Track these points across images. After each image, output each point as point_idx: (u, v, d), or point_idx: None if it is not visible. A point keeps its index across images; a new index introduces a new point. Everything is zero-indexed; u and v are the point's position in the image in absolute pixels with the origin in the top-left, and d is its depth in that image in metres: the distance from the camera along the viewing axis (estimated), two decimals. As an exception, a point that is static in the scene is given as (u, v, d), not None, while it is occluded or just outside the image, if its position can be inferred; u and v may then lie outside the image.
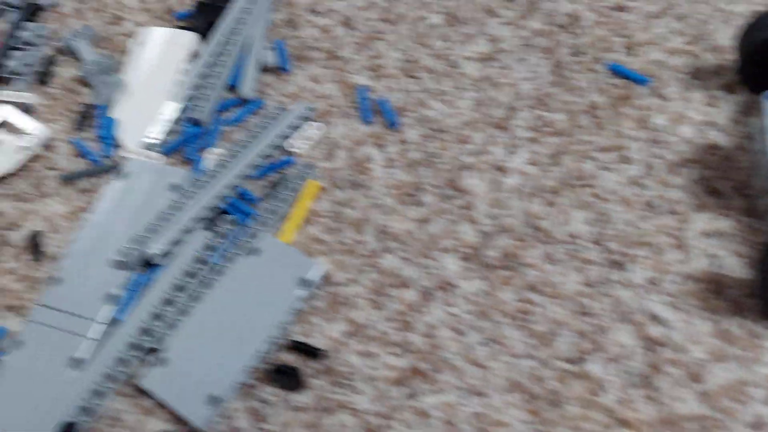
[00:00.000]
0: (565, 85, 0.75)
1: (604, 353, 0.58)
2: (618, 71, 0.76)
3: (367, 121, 0.73)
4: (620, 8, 0.80)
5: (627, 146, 0.70)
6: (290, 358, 0.59)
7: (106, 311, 0.60)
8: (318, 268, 0.62)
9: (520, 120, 0.73)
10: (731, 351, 0.57)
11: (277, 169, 0.70)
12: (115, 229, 0.65)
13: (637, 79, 0.75)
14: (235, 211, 0.66)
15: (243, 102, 0.75)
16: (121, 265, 0.62)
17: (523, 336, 0.60)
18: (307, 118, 0.72)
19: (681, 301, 0.60)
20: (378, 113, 0.74)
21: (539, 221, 0.66)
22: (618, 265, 0.63)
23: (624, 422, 0.55)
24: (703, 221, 0.65)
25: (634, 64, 0.76)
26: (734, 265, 0.62)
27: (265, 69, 0.77)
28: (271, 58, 0.77)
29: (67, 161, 0.73)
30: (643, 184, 0.68)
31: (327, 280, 0.63)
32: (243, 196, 0.68)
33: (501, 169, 0.69)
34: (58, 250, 0.66)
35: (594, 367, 0.58)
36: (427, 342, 0.60)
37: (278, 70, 0.77)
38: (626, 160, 0.69)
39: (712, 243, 0.63)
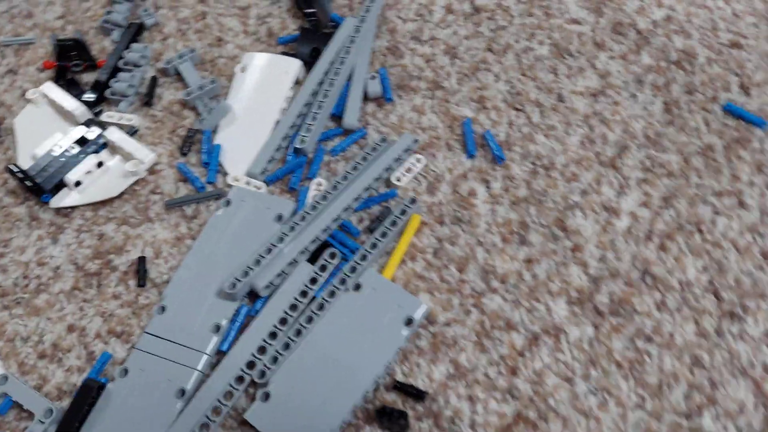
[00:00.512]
0: (678, 124, 0.73)
1: (720, 408, 0.55)
2: (734, 112, 0.73)
3: (471, 155, 0.72)
4: (736, 45, 0.77)
5: (744, 191, 0.67)
6: (393, 399, 0.58)
7: (214, 343, 0.61)
8: (422, 307, 0.61)
9: (631, 159, 0.70)
10: None
11: (379, 202, 0.69)
12: (219, 257, 0.65)
13: (753, 121, 0.72)
14: (338, 244, 0.66)
15: (346, 132, 0.74)
16: (226, 296, 0.62)
17: (634, 386, 0.57)
18: (410, 150, 0.72)
19: (805, 360, 0.57)
20: (482, 147, 0.72)
21: (651, 266, 0.63)
22: (734, 316, 0.60)
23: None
24: (830, 275, 0.61)
25: (750, 104, 0.73)
26: None
27: (367, 98, 0.77)
28: (373, 88, 0.76)
29: (171, 185, 0.73)
30: (761, 232, 0.64)
31: (429, 319, 0.62)
32: (346, 228, 0.67)
33: (611, 210, 0.67)
34: (162, 277, 0.67)
35: (708, 422, 0.55)
36: (534, 389, 0.58)
37: (381, 100, 0.77)
38: (743, 206, 0.66)
39: (841, 300, 0.60)
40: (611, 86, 0.75)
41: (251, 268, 0.63)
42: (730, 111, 0.73)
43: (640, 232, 0.65)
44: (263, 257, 0.63)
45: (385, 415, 0.56)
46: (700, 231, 0.65)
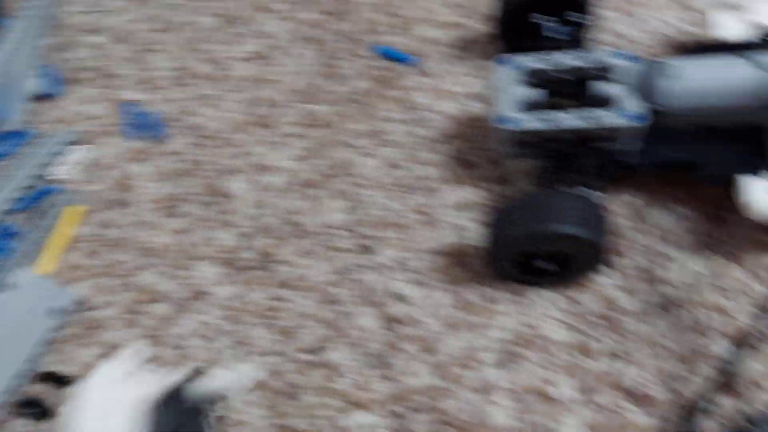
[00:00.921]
0: (332, 75, 0.76)
1: (346, 339, 0.59)
2: (384, 53, 0.76)
3: (131, 137, 0.73)
4: (385, -11, 0.80)
5: (387, 130, 0.71)
6: (41, 391, 0.60)
7: None
8: (68, 295, 0.63)
9: (288, 116, 0.73)
10: (467, 319, 0.58)
11: (38, 200, 0.70)
12: None
13: (402, 59, 0.75)
14: (-6, 249, 0.67)
15: (10, 135, 0.74)
16: None
17: (269, 334, 0.60)
18: (71, 143, 0.72)
19: (425, 277, 0.61)
20: (146, 128, 0.74)
21: (298, 216, 0.66)
22: (367, 249, 0.64)
23: (357, 404, 0.56)
24: (454, 195, 0.65)
25: (404, 43, 0.76)
26: (480, 235, 0.62)
27: (38, 97, 0.77)
28: (38, 86, 0.76)
29: None
30: (400, 165, 0.68)
31: (84, 306, 0.64)
32: (4, 231, 0.68)
33: (265, 169, 0.70)
34: None
35: (334, 354, 0.59)
36: (177, 353, 0.60)
37: (49, 97, 0.77)
38: (385, 143, 0.70)
39: (461, 215, 0.64)
40: (273, 47, 0.78)
41: None
42: (381, 53, 0.76)
43: (291, 185, 0.68)
44: None
45: (23, 405, 0.57)
46: (347, 174, 0.68)
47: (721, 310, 0.56)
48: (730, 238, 0.59)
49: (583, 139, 0.59)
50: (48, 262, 0.66)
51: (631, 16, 0.76)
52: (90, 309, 0.63)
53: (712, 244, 0.59)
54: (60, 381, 0.59)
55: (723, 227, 0.60)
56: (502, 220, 0.56)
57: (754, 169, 0.56)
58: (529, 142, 0.60)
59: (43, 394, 0.59)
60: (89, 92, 0.77)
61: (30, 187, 0.70)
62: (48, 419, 0.58)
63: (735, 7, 0.68)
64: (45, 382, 0.60)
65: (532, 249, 0.55)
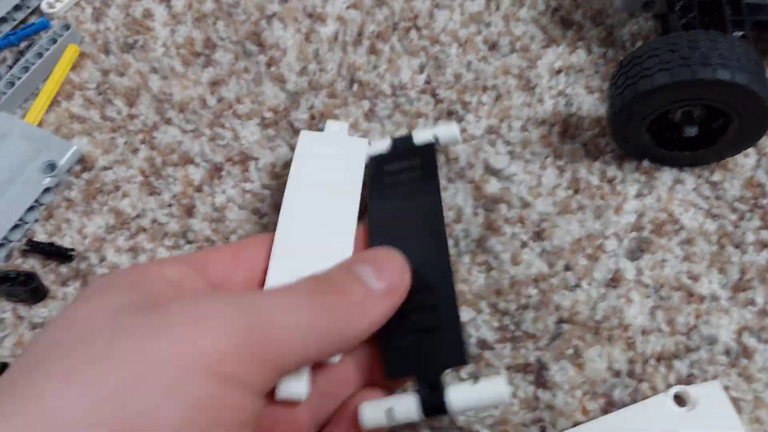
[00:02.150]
0: None
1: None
2: None
3: (145, -30, 0.58)
4: None
5: (467, -22, 0.57)
6: (32, 265, 0.46)
7: None
8: (71, 149, 0.48)
9: (340, -42, 0.59)
10: (582, 201, 0.47)
11: (26, 36, 0.54)
12: None
13: None
14: (-34, 90, 0.51)
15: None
16: None
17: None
18: (66, -29, 0.57)
19: (524, 149, 0.49)
20: (161, -40, 0.58)
21: (358, 73, 0.53)
22: (452, 114, 0.51)
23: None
24: (553, 56, 0.53)
25: None
26: (587, 103, 0.50)
27: None
28: None
29: None
30: (486, 21, 0.55)
31: (86, 165, 0.49)
32: (-20, 70, 0.53)
33: (315, 17, 0.56)
34: None
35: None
36: (213, 227, 0.47)
37: None
38: (467, -6, 0.57)
39: (563, 81, 0.52)
40: None
41: None
42: None
43: (348, 37, 0.55)
44: None
45: (6, 281, 0.43)
46: (417, 27, 0.55)
47: None
48: None
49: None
50: (40, 109, 0.51)
51: None
52: (106, 168, 0.49)
53: None
54: (57, 254, 0.45)
55: None
56: (637, 67, 0.43)
57: None
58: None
59: (31, 270, 0.45)
60: None
61: (16, 20, 0.54)
62: (40, 299, 0.44)
63: None
64: (39, 255, 0.46)
65: (671, 107, 0.43)
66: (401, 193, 0.42)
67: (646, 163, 0.47)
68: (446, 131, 0.45)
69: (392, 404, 0.33)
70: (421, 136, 0.45)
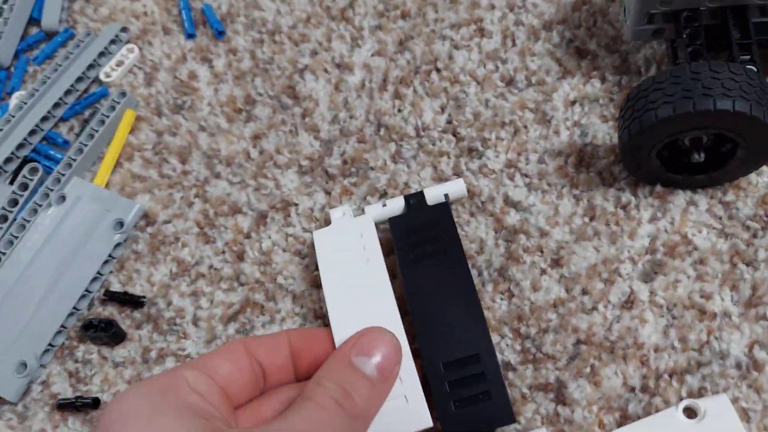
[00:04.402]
0: (413, -40, 0.66)
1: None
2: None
3: (190, 35, 0.64)
4: None
5: (484, 17, 0.61)
6: (110, 312, 0.53)
7: None
8: (135, 207, 0.55)
9: (363, 7, 0.64)
10: (597, 228, 0.50)
11: (89, 105, 0.61)
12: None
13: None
14: (43, 159, 0.58)
15: (48, 35, 0.65)
16: None
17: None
18: (120, 41, 0.63)
19: (541, 181, 0.53)
20: (203, 24, 0.65)
21: (385, 117, 0.58)
22: (473, 152, 0.55)
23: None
24: (568, 88, 0.56)
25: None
26: (602, 132, 0.54)
27: (77, -5, 0.68)
28: (77, -19, 0.67)
29: None
30: (502, 57, 0.59)
31: (149, 220, 0.56)
32: (52, 140, 0.60)
33: (343, 66, 0.61)
34: None
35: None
36: (262, 270, 0.53)
37: (90, -6, 0.68)
38: (483, 33, 0.61)
39: (577, 111, 0.55)
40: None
41: (-69, 203, 0.55)
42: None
43: (374, 84, 0.60)
44: (-51, 188, 0.56)
45: (91, 327, 0.50)
46: (437, 69, 0.59)
47: None
48: None
49: (730, 7, 0.49)
50: (106, 171, 0.58)
51: None
52: (166, 222, 0.55)
53: None
54: (132, 301, 0.52)
55: None
56: (642, 101, 0.46)
57: None
58: (669, 15, 0.50)
59: (111, 317, 0.52)
60: (136, -13, 0.68)
61: (77, 91, 0.61)
62: (120, 342, 0.51)
63: None
64: (116, 303, 0.52)
65: (681, 134, 0.46)
66: (429, 258, 0.47)
67: (659, 188, 0.50)
68: (455, 188, 0.50)
69: None
70: (433, 195, 0.50)
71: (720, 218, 0.49)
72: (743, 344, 0.45)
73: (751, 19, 0.50)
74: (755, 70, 0.48)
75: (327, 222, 0.53)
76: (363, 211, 0.51)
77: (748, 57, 0.50)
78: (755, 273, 0.47)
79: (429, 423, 0.42)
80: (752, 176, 0.50)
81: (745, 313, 0.46)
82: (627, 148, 0.47)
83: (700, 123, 0.44)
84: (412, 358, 0.43)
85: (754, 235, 0.48)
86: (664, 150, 0.48)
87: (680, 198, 0.50)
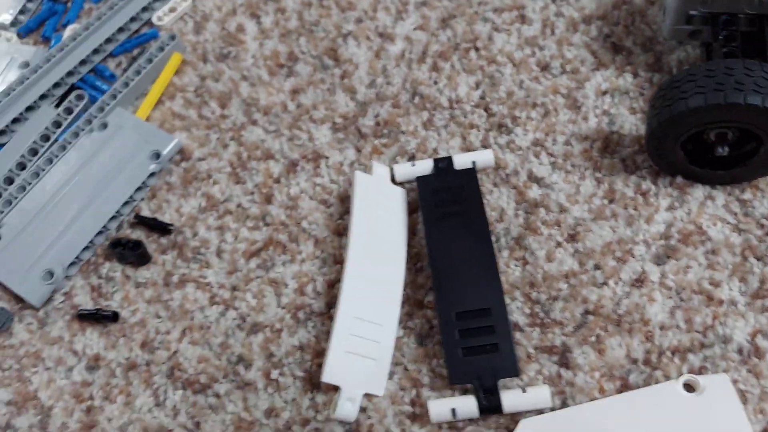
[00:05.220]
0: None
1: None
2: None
3: (241, -9, 0.66)
4: None
5: (526, 5, 0.63)
6: (138, 235, 0.54)
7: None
8: (173, 141, 0.57)
9: (411, -16, 0.66)
10: (615, 210, 0.52)
11: (139, 44, 0.64)
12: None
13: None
14: (89, 88, 0.61)
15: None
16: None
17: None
18: (176, -10, 0.66)
19: (566, 161, 0.55)
20: (256, -17, 0.67)
21: (421, 87, 0.60)
22: (502, 128, 0.57)
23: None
24: (601, 79, 0.58)
25: None
26: (629, 123, 0.56)
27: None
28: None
29: None
30: (540, 45, 0.61)
31: (184, 155, 0.58)
32: (100, 73, 0.62)
33: (386, 36, 0.63)
34: None
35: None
36: (288, 213, 0.54)
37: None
38: (524, 20, 0.63)
39: (608, 101, 0.57)
40: None
41: (-20, 114, 0.57)
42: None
43: (413, 55, 0.62)
44: (2, 102, 0.58)
45: (119, 246, 0.52)
46: (476, 48, 0.62)
47: None
48: None
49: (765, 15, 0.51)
50: (148, 106, 0.60)
51: None
52: (201, 159, 0.57)
53: None
54: (160, 227, 0.54)
55: None
56: (675, 90, 0.48)
57: None
58: (706, 17, 0.52)
59: (141, 238, 0.54)
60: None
61: (128, 30, 0.63)
62: (144, 263, 0.52)
63: None
64: (144, 227, 0.54)
65: (706, 128, 0.47)
66: (452, 218, 0.50)
67: (679, 180, 0.52)
68: (483, 158, 0.52)
69: (456, 405, 0.43)
70: (461, 161, 0.52)
71: (735, 214, 0.51)
72: (747, 331, 0.46)
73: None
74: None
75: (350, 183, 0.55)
76: (396, 169, 0.53)
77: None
78: (765, 267, 0.48)
79: (380, 392, 0.45)
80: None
81: (752, 303, 0.47)
82: (655, 134, 0.49)
83: (729, 116, 0.46)
84: (396, 328, 0.46)
85: None
86: (689, 142, 0.50)
87: (699, 191, 0.52)
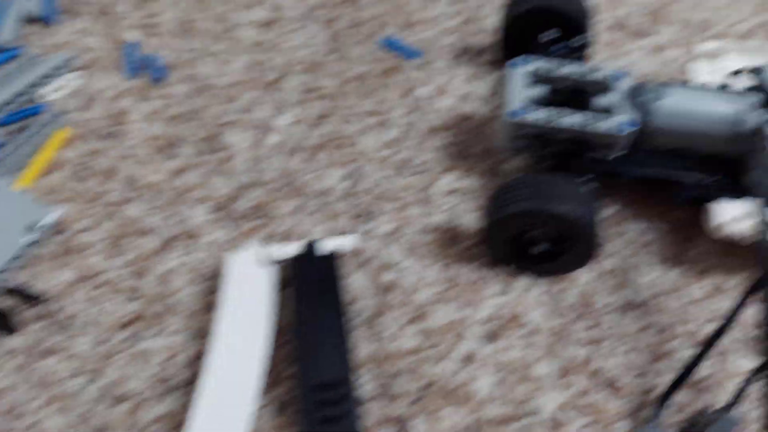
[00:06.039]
0: (339, 54, 0.77)
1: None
2: (391, 45, 0.79)
3: (131, 75, 0.71)
4: (398, -15, 0.83)
5: (388, 112, 0.73)
6: (9, 305, 0.56)
7: None
8: (47, 213, 0.59)
9: (291, 83, 0.74)
10: (455, 295, 0.60)
11: (26, 117, 0.67)
12: None
13: (408, 53, 0.78)
14: (-30, 159, 0.63)
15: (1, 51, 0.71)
16: None
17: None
18: (65, 69, 0.70)
19: (417, 250, 0.63)
20: (145, 69, 0.72)
21: (296, 176, 0.67)
22: (365, 217, 0.65)
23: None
24: (448, 180, 0.68)
25: (408, 39, 0.79)
26: (470, 219, 0.65)
27: (32, 20, 0.74)
28: (35, 8, 0.74)
29: None
30: (397, 147, 0.70)
31: (64, 227, 0.61)
32: (-19, 143, 0.64)
33: (265, 128, 0.70)
34: None
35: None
36: (159, 290, 0.58)
37: (44, 21, 0.74)
38: (386, 124, 0.72)
39: (454, 199, 0.66)
40: (282, 18, 0.79)
41: None
42: (388, 45, 0.78)
43: (291, 147, 0.69)
44: None
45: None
46: (345, 146, 0.69)
47: (684, 320, 0.60)
48: (698, 255, 0.64)
49: (578, 141, 0.63)
50: (28, 178, 0.62)
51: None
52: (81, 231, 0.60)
53: (681, 259, 0.64)
54: (29, 298, 0.56)
55: (693, 245, 0.65)
56: (500, 198, 0.58)
57: (728, 196, 0.62)
58: (531, 137, 0.63)
59: (8, 308, 0.56)
60: (87, 25, 0.75)
61: (18, 103, 0.66)
62: (9, 333, 0.54)
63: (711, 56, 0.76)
64: (15, 297, 0.56)
65: (528, 228, 0.57)
66: (315, 298, 0.56)
67: (510, 269, 0.61)
68: (346, 243, 0.60)
69: None
70: (326, 245, 0.59)
71: (551, 301, 0.60)
72: (554, 405, 0.55)
73: (591, 151, 0.63)
74: (589, 186, 0.61)
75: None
76: (265, 251, 0.59)
77: (591, 176, 0.63)
78: (572, 348, 0.58)
79: None
80: (582, 271, 0.62)
81: (560, 379, 0.56)
82: (488, 231, 0.59)
83: (538, 221, 0.57)
84: (256, 398, 0.51)
85: (576, 319, 0.60)
86: (516, 239, 0.59)
87: (524, 281, 0.61)
